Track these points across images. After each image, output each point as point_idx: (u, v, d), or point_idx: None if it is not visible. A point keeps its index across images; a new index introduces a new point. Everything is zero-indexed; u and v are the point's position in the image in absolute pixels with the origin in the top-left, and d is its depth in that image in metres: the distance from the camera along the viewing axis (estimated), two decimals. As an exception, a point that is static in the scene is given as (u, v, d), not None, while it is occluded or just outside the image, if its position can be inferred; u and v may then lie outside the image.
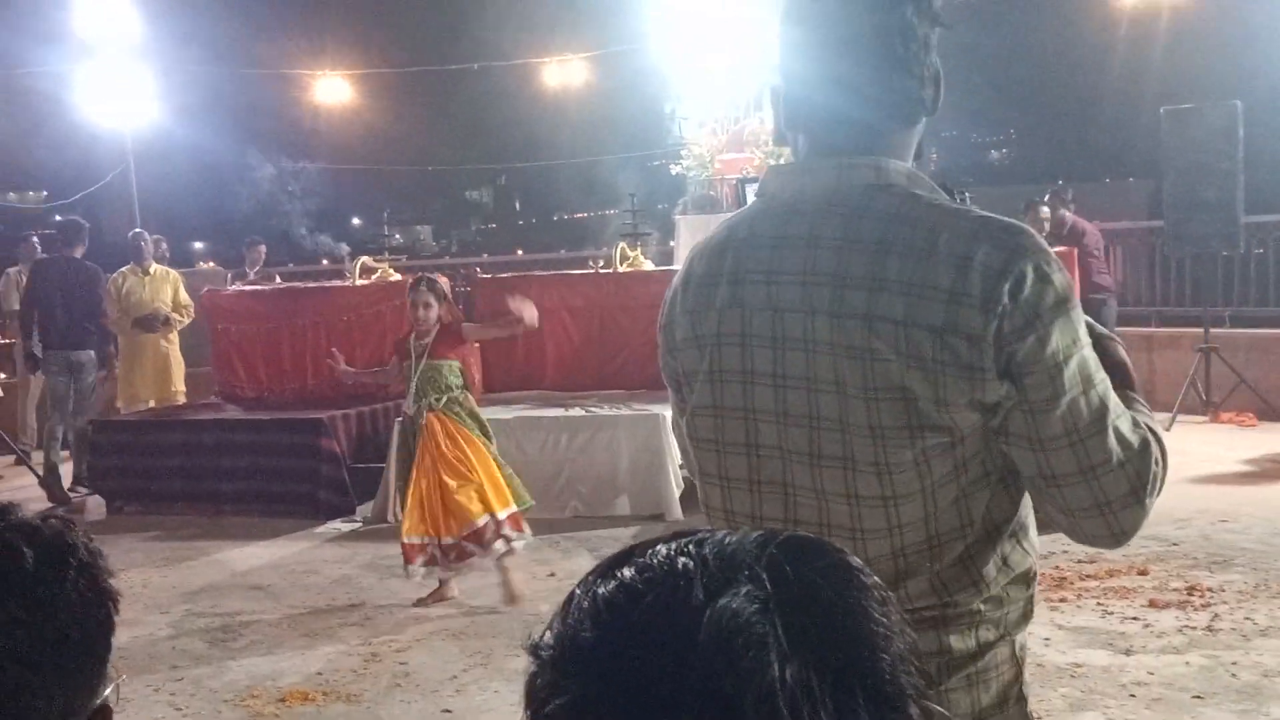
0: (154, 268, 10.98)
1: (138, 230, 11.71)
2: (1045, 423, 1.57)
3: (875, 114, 1.68)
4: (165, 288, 11.04)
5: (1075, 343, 1.57)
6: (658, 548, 0.77)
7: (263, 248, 13.93)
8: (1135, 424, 1.64)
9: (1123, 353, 1.80)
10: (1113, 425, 1.60)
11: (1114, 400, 1.62)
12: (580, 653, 0.73)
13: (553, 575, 6.88)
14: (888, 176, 1.65)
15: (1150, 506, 1.65)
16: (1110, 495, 1.61)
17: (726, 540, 0.76)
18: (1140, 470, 1.62)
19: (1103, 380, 1.61)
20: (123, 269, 11.03)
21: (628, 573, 0.75)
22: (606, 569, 0.76)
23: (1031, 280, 1.54)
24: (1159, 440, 1.68)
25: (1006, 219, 1.62)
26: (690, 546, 0.75)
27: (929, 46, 1.69)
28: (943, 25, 1.70)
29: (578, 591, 0.76)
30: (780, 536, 0.76)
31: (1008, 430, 1.60)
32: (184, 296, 11.09)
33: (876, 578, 0.77)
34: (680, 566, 0.74)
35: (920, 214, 1.61)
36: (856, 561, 0.77)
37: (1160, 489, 1.67)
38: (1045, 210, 10.30)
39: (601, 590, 0.75)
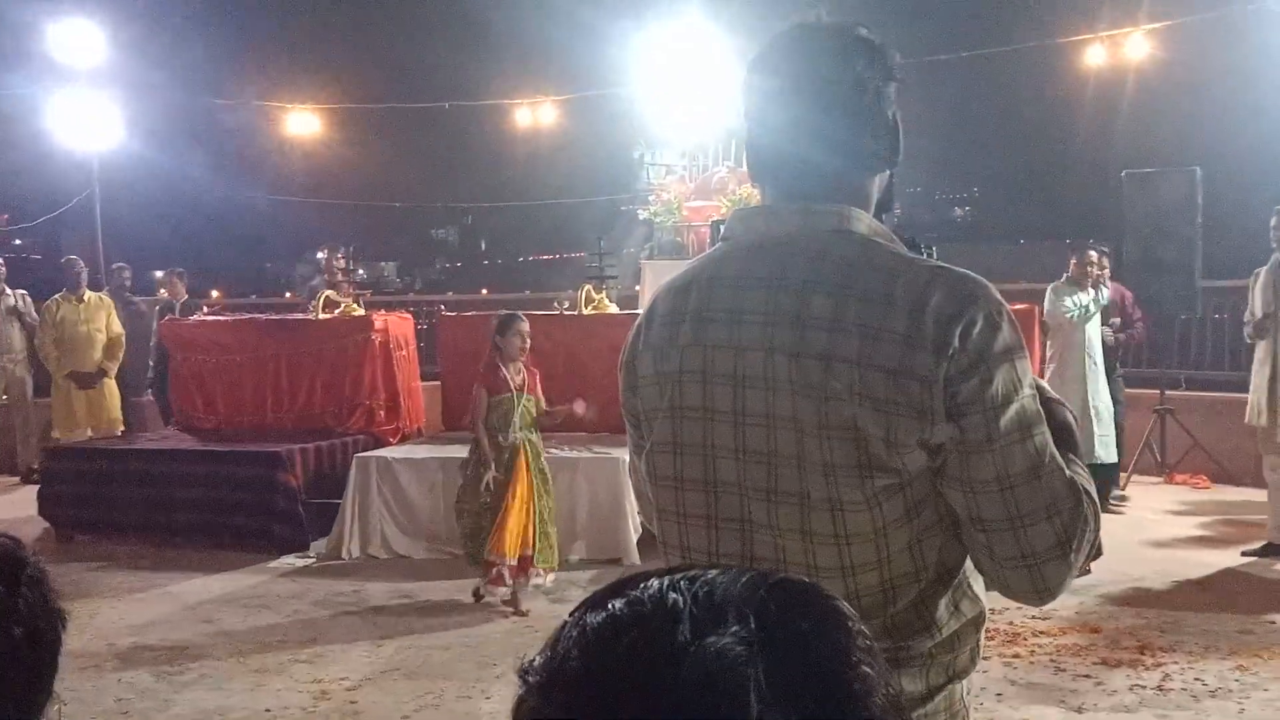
0: (88, 295, 11.17)
1: (72, 257, 11.76)
2: (978, 465, 1.61)
3: (837, 162, 1.74)
4: (100, 314, 11.19)
5: (1016, 391, 1.61)
6: (650, 581, 0.77)
7: (175, 279, 12.51)
8: (1071, 481, 1.67)
9: (1068, 416, 1.83)
10: (1045, 477, 1.63)
11: (1051, 454, 1.65)
12: (565, 681, 0.73)
13: (507, 617, 6.84)
14: (849, 224, 1.70)
15: (1076, 564, 1.67)
16: (1036, 547, 1.64)
17: (718, 579, 0.76)
18: (1069, 525, 1.65)
19: (1042, 433, 1.65)
20: (56, 296, 11.19)
21: (618, 604, 0.75)
22: (599, 599, 0.77)
23: (981, 327, 1.59)
24: (1093, 502, 1.71)
25: (962, 270, 1.67)
26: (682, 583, 0.76)
27: (882, 99, 1.74)
28: (897, 80, 1.76)
29: (569, 620, 0.77)
30: (772, 579, 0.77)
31: (945, 472, 1.63)
32: (116, 325, 11.26)
33: (864, 626, 0.78)
34: (670, 603, 0.74)
35: (879, 260, 1.66)
36: (847, 609, 0.78)
37: (1089, 550, 1.70)
38: (1094, 255, 9.23)
39: (591, 620, 0.75)
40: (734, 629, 0.72)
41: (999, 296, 1.65)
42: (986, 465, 1.61)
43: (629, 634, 0.73)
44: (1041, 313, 9.53)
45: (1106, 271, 9.31)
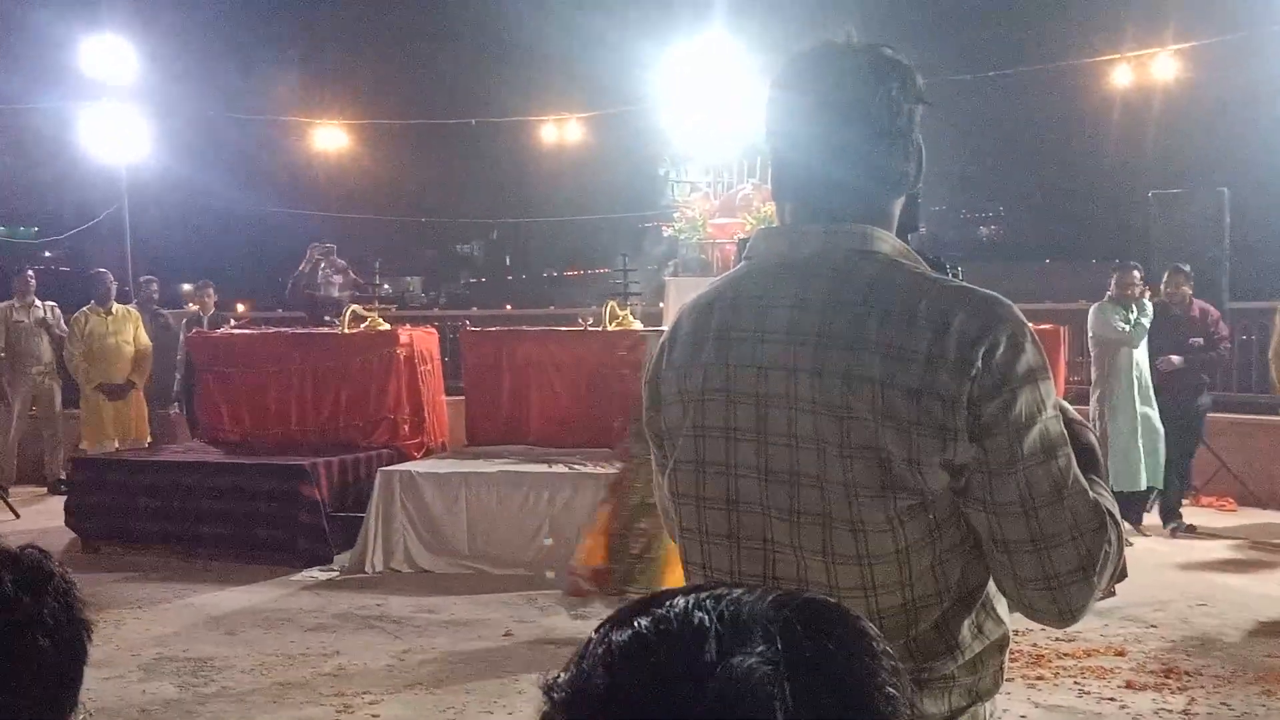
0: (116, 307, 11.28)
1: (101, 270, 11.87)
2: (1000, 486, 1.61)
3: (865, 182, 1.74)
4: (128, 327, 11.30)
5: (1040, 412, 1.61)
6: (676, 600, 0.77)
7: (211, 291, 13.36)
8: (1095, 503, 1.66)
9: (1091, 437, 1.83)
10: (1069, 499, 1.63)
11: (1075, 476, 1.64)
12: (590, 699, 0.74)
13: (530, 631, 6.83)
14: (872, 244, 1.70)
15: (1099, 586, 1.67)
16: (1059, 569, 1.63)
17: (744, 598, 0.76)
18: (1092, 548, 1.64)
19: (1065, 454, 1.64)
20: (84, 308, 11.30)
21: (644, 623, 0.75)
22: (625, 617, 0.77)
23: (1004, 347, 1.59)
24: (1116, 524, 1.70)
25: (986, 290, 1.67)
26: (708, 602, 0.76)
27: (913, 121, 1.75)
28: (926, 102, 1.77)
29: (594, 636, 0.77)
30: (797, 599, 0.77)
31: (967, 493, 1.63)
32: (144, 337, 11.37)
33: (889, 646, 0.78)
34: (696, 622, 0.74)
35: (902, 280, 1.66)
36: (871, 629, 0.78)
37: (1112, 573, 1.69)
38: (1138, 274, 8.97)
39: (617, 638, 0.75)
40: (760, 649, 0.72)
41: (1023, 317, 1.65)
42: (1009, 486, 1.60)
43: (655, 652, 0.73)
44: (1067, 335, 9.45)
45: (1135, 289, 9.04)
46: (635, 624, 0.76)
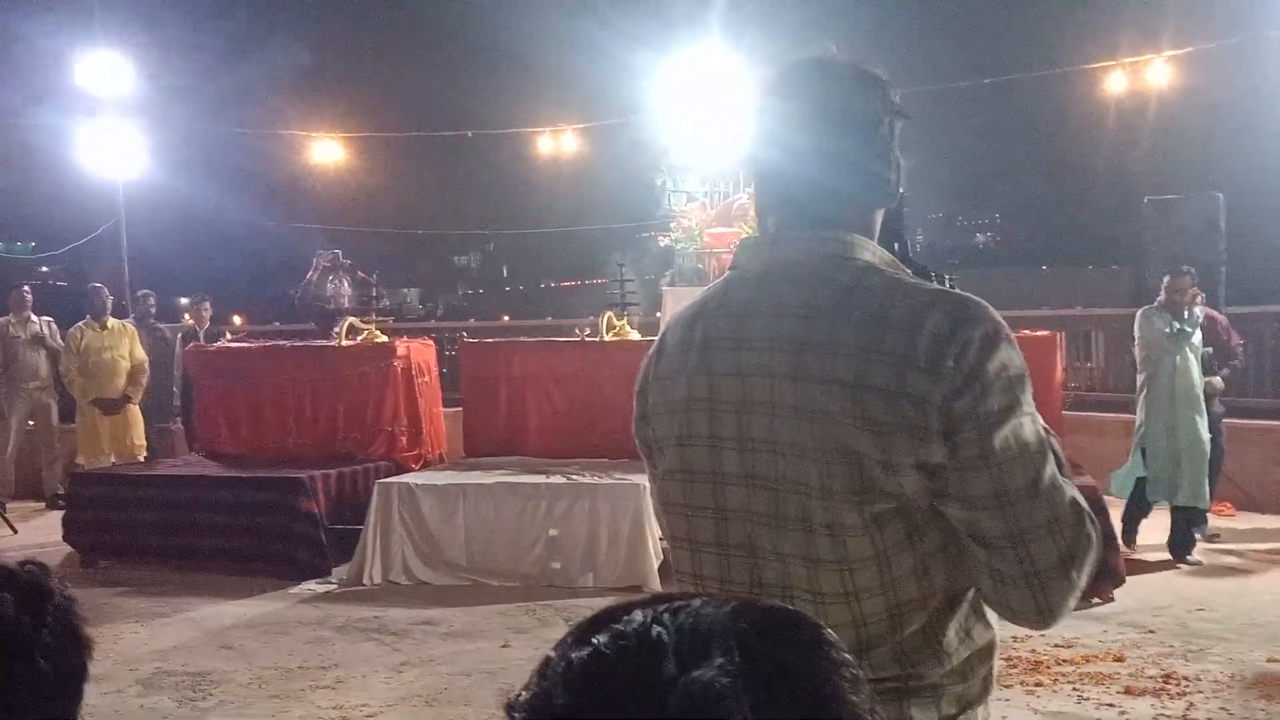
0: (111, 322, 11.30)
1: (96, 285, 11.90)
2: (974, 481, 1.60)
3: (851, 189, 1.76)
4: (123, 341, 11.32)
5: (1012, 409, 1.61)
6: (633, 614, 0.77)
7: (208, 305, 13.59)
8: (1074, 500, 1.66)
9: (1054, 442, 1.83)
10: (1046, 494, 1.62)
11: (1052, 471, 1.64)
12: (551, 718, 0.73)
13: (528, 643, 6.83)
14: (853, 250, 1.72)
15: (1079, 584, 1.66)
16: (1038, 564, 1.62)
17: (702, 610, 0.76)
18: (1072, 543, 1.64)
19: (1042, 452, 1.64)
20: (80, 323, 11.32)
21: (602, 639, 0.75)
22: (582, 633, 0.76)
23: (977, 346, 1.59)
24: (1094, 522, 1.69)
25: (963, 293, 1.67)
26: (665, 615, 0.75)
27: (894, 133, 1.78)
28: (905, 116, 1.79)
29: (553, 655, 0.77)
30: (755, 609, 0.77)
31: (945, 491, 1.63)
32: (139, 351, 11.39)
33: (849, 655, 0.78)
34: (654, 635, 0.74)
35: (878, 284, 1.67)
36: (831, 637, 0.78)
37: (1091, 571, 1.68)
38: (1188, 280, 8.44)
39: (575, 656, 0.75)
40: (719, 661, 0.71)
41: (999, 318, 1.65)
42: (983, 481, 1.60)
43: (614, 669, 0.73)
44: (1063, 341, 9.38)
45: (1199, 295, 8.65)
46: (594, 640, 0.75)
